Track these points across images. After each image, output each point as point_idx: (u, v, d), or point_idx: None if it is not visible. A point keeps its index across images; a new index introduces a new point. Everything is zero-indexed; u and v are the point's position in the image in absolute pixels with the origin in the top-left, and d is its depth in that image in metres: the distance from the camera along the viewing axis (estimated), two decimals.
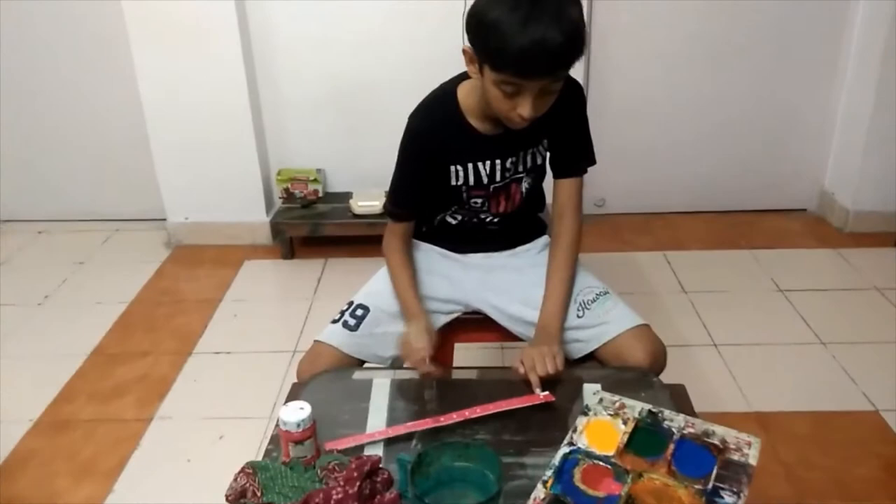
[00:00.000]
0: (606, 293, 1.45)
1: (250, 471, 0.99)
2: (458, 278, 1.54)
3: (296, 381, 1.39)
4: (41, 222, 3.23)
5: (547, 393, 1.23)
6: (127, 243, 3.11)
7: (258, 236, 3.02)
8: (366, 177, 2.91)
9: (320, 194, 2.96)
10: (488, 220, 1.50)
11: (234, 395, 2.14)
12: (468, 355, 1.94)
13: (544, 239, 1.58)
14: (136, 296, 2.69)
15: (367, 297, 1.49)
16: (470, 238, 1.53)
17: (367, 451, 1.13)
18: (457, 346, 1.63)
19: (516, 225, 1.54)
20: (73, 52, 2.96)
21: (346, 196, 2.91)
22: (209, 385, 2.20)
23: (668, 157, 3.11)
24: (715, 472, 1.04)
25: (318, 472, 0.98)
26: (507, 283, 1.51)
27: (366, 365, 1.44)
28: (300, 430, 1.06)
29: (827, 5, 2.83)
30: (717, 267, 2.78)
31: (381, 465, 1.01)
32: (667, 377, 1.36)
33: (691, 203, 3.18)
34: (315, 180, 2.94)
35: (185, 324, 2.51)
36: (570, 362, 1.42)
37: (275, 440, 1.14)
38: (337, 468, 0.97)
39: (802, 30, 2.87)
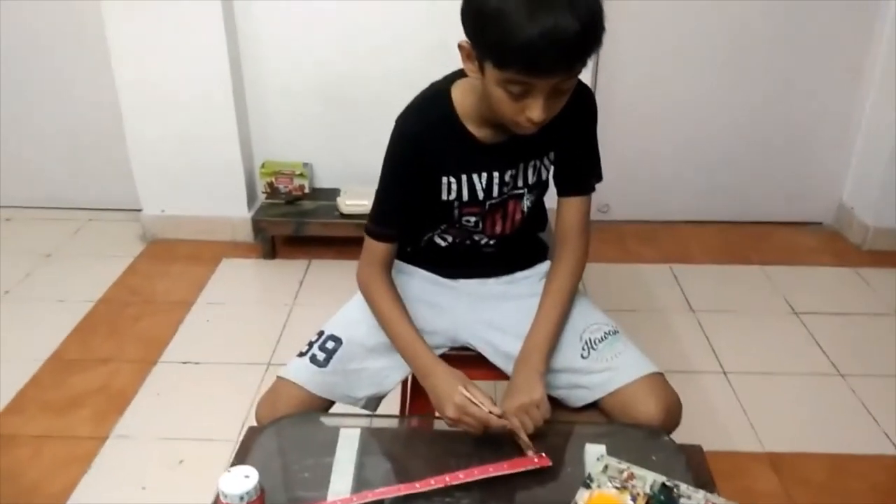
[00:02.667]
0: (616, 332, 1.27)
1: None
2: (447, 307, 1.34)
3: (254, 424, 1.21)
4: (8, 208, 3.02)
5: (542, 455, 1.05)
6: (99, 235, 2.91)
7: (238, 233, 2.82)
8: (355, 173, 2.71)
9: (306, 190, 2.77)
10: (483, 241, 1.31)
11: (200, 412, 1.96)
12: None
13: (546, 265, 1.38)
14: (104, 294, 2.50)
15: (340, 327, 1.30)
16: (462, 262, 1.34)
17: None
18: None
19: (515, 247, 1.36)
20: (47, 34, 2.76)
21: (334, 193, 2.72)
22: (173, 400, 2.02)
23: (677, 162, 2.93)
24: None
25: None
26: (503, 316, 1.32)
27: (335, 407, 1.26)
28: (244, 503, 0.88)
29: (853, 4, 2.63)
30: (727, 283, 2.61)
31: None
32: None
33: (700, 212, 2.99)
34: (301, 175, 2.75)
35: (152, 328, 2.32)
36: (570, 410, 1.25)
37: None
38: None
39: (825, 33, 2.68)
